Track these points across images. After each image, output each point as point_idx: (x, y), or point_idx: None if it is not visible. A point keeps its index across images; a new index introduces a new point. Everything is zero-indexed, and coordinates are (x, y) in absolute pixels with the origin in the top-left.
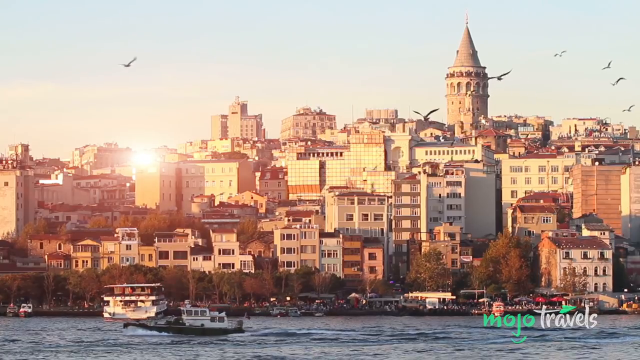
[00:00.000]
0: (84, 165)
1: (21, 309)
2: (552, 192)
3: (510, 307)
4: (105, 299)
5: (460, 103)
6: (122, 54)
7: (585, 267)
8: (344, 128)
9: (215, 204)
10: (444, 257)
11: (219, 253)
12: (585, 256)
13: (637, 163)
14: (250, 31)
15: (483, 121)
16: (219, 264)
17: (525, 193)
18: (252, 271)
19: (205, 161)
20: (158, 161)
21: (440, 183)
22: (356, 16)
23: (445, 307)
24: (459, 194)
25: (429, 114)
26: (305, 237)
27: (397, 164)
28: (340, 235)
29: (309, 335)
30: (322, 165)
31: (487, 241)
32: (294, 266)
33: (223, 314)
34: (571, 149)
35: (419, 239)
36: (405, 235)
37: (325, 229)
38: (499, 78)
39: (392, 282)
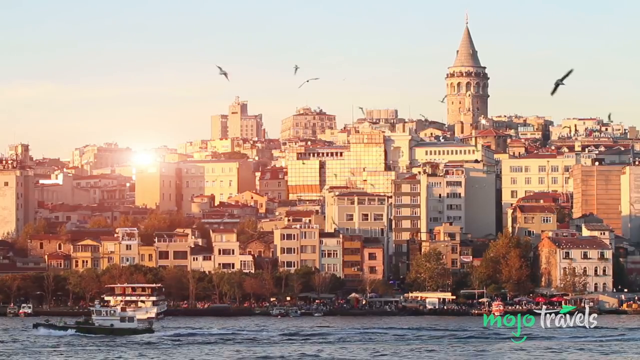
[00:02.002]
0: (84, 165)
1: (21, 309)
2: (552, 192)
3: (510, 307)
4: (106, 298)
5: (460, 103)
6: (123, 54)
7: (585, 267)
8: (344, 128)
9: (215, 204)
10: (444, 257)
11: (219, 253)
12: (585, 256)
13: (637, 163)
14: (250, 31)
15: (483, 121)
16: (219, 264)
17: (525, 193)
18: (252, 271)
19: (205, 161)
20: (158, 161)
21: (440, 183)
22: (356, 16)
23: (445, 307)
24: (459, 194)
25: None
26: (305, 237)
27: (397, 164)
28: (340, 235)
29: (219, 335)
30: (322, 165)
31: (487, 241)
32: (294, 266)
33: (133, 314)
34: (571, 149)
35: (419, 239)
36: (405, 235)
37: (325, 229)
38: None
39: (392, 282)
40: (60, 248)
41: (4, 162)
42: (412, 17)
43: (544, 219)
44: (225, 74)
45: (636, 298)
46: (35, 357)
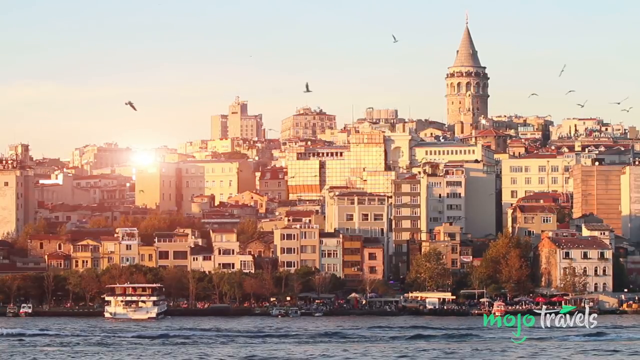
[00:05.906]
0: (84, 165)
1: (21, 309)
2: (552, 192)
3: (510, 307)
4: (107, 299)
5: (460, 103)
6: (123, 55)
7: (585, 267)
8: (344, 128)
9: (215, 204)
10: (444, 257)
11: (219, 253)
12: (585, 256)
13: (637, 163)
14: (250, 31)
15: (483, 121)
16: (219, 264)
17: (525, 193)
18: (252, 271)
19: (205, 161)
20: (158, 161)
21: (440, 183)
22: (356, 16)
23: (445, 307)
24: (459, 194)
25: None
26: (305, 237)
27: (397, 164)
28: (340, 235)
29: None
30: (322, 165)
31: (487, 241)
32: (294, 266)
33: None
34: (571, 149)
35: (419, 239)
36: (405, 235)
37: (325, 229)
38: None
39: (392, 282)
40: (60, 248)
41: (4, 162)
42: (412, 17)
43: (544, 219)
44: (132, 105)
45: (636, 298)
46: None
